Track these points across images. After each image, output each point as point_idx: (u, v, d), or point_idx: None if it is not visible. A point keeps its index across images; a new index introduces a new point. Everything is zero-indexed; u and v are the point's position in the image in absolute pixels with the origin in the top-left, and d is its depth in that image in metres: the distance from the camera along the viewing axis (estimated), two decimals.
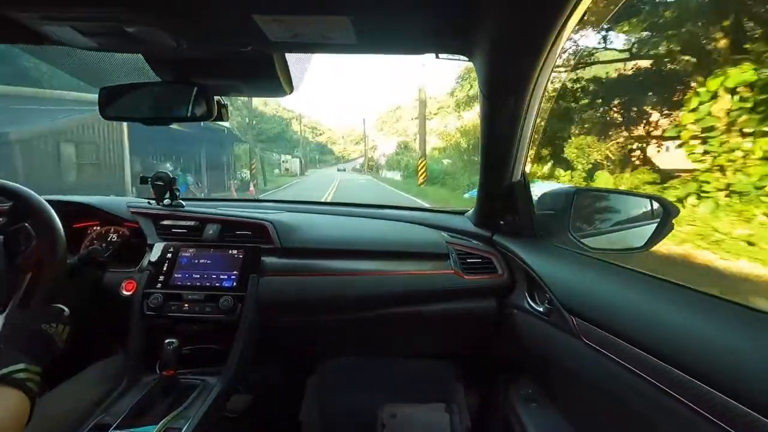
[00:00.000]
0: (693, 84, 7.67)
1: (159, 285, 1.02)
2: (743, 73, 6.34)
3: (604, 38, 9.94)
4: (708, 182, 6.75)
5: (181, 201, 1.24)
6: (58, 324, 0.74)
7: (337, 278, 1.10)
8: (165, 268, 1.05)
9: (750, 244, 5.15)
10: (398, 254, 1.16)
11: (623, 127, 10.00)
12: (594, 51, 10.36)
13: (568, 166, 10.27)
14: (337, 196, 15.34)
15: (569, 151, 10.20)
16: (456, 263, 1.13)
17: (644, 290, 0.73)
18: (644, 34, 9.21)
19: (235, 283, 1.02)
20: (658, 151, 9.62)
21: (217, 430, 0.86)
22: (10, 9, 0.63)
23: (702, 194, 6.80)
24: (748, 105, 6.26)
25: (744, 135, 6.37)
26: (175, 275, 1.04)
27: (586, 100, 10.33)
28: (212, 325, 0.99)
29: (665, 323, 0.60)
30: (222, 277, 1.04)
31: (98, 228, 1.21)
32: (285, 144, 53.64)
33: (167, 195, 1.23)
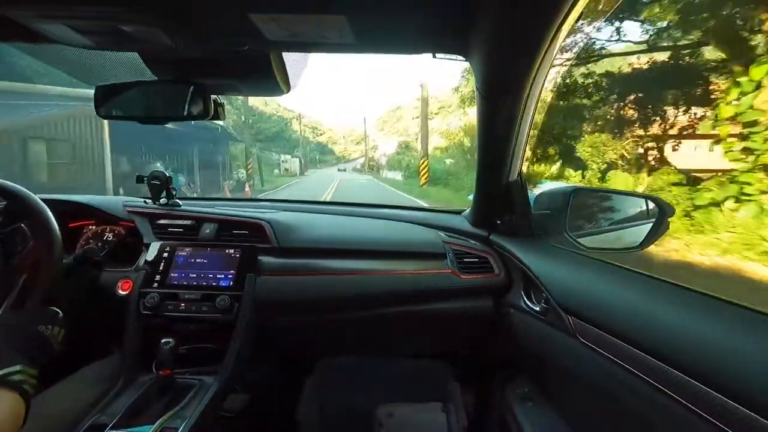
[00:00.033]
0: (724, 75, 6.86)
1: (155, 284, 1.01)
2: None
3: (618, 30, 8.87)
4: (750, 183, 5.78)
5: (177, 200, 1.24)
6: (53, 326, 0.73)
7: (334, 278, 1.10)
8: (161, 268, 1.04)
9: None
10: (395, 254, 1.16)
11: (642, 125, 9.00)
12: (607, 43, 9.29)
13: (579, 165, 9.43)
14: (335, 197, 14.91)
15: (582, 150, 9.30)
16: (453, 263, 1.14)
17: (640, 290, 0.73)
18: (670, 19, 7.79)
19: (231, 283, 1.02)
20: (675, 150, 8.71)
21: (213, 429, 0.86)
22: (4, 7, 0.62)
23: (743, 197, 5.86)
24: None
25: None
26: (172, 275, 1.03)
27: (598, 96, 9.32)
28: (209, 325, 0.99)
29: (661, 322, 0.60)
30: (219, 276, 1.03)
31: (94, 227, 1.20)
32: (284, 143, 53.43)
33: (163, 194, 1.22)
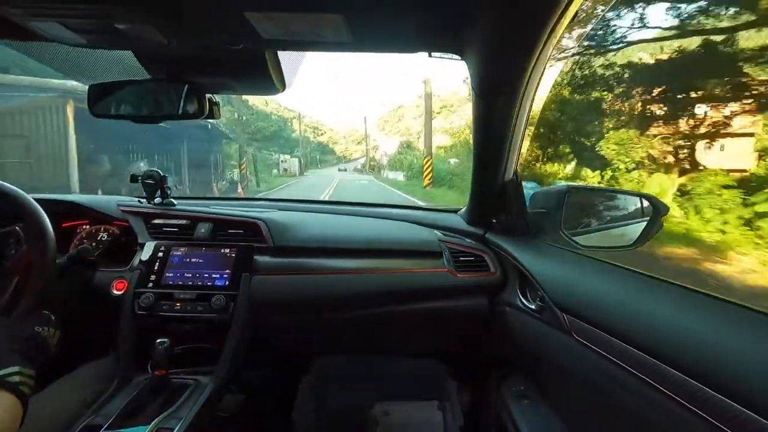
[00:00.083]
0: None
1: (150, 284, 1.01)
2: None
3: (641, 17, 7.57)
4: None
5: (172, 200, 1.23)
6: (49, 327, 0.73)
7: (330, 277, 1.09)
8: (156, 268, 1.04)
9: None
10: (391, 252, 1.16)
11: (680, 119, 7.63)
12: (630, 30, 7.81)
13: (597, 165, 8.31)
14: (333, 199, 14.42)
15: (606, 148, 7.99)
16: (449, 261, 1.14)
17: (634, 287, 0.74)
18: None
19: (227, 282, 1.02)
20: (710, 148, 7.24)
21: (209, 430, 0.86)
22: None
23: None
24: None
25: None
26: (167, 274, 1.03)
27: (621, 89, 8.23)
28: (204, 325, 0.99)
29: (656, 320, 0.61)
30: (214, 276, 1.03)
31: (88, 227, 1.19)
32: (283, 143, 52.80)
33: (158, 193, 1.21)
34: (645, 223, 0.93)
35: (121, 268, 1.06)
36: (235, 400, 1.23)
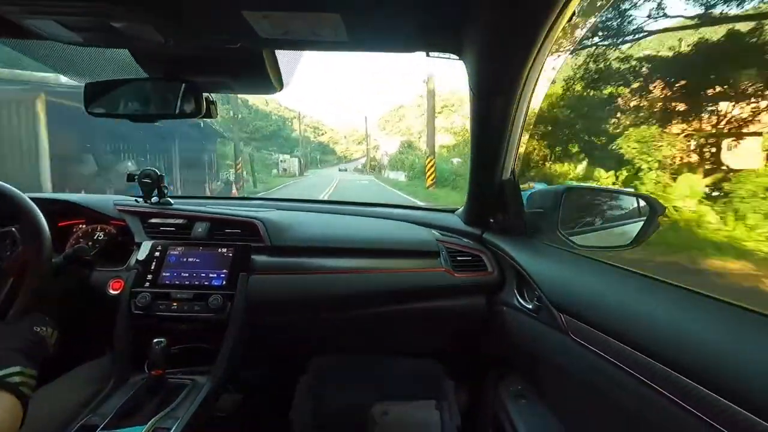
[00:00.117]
0: None
1: (147, 284, 1.01)
2: None
3: (659, 4, 6.93)
4: None
5: (169, 199, 1.23)
6: (47, 327, 0.73)
7: (327, 276, 1.09)
8: (153, 267, 1.03)
9: None
10: (389, 252, 1.16)
11: (712, 115, 6.85)
12: (648, 21, 7.15)
13: (613, 164, 7.51)
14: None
15: (626, 146, 7.13)
16: (446, 261, 1.14)
17: (632, 287, 0.74)
18: None
19: (224, 282, 1.01)
20: (747, 146, 6.40)
21: (206, 429, 0.86)
22: None
23: None
24: None
25: None
26: (164, 274, 1.03)
27: (639, 83, 7.44)
28: (201, 324, 0.98)
29: (653, 320, 0.61)
30: (211, 275, 1.03)
31: (84, 226, 1.19)
32: (282, 143, 52.40)
33: (155, 193, 1.21)
34: (641, 222, 0.94)
35: (117, 268, 1.06)
36: (232, 400, 1.23)
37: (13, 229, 0.80)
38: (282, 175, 33.95)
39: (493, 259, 1.15)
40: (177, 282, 1.01)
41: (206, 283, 1.01)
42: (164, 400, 0.83)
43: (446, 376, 1.40)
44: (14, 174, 7.19)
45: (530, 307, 0.94)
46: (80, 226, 1.19)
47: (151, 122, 0.93)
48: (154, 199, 1.21)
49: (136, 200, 1.22)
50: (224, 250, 1.07)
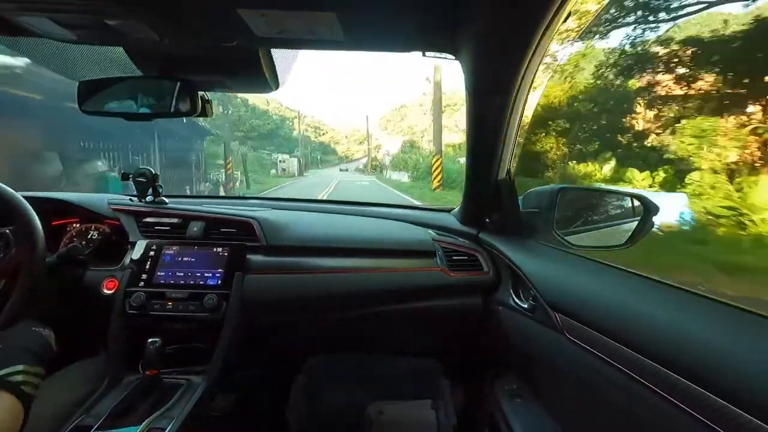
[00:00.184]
0: None
1: (141, 283, 1.00)
2: None
3: None
4: None
5: (164, 198, 1.22)
6: (45, 327, 0.72)
7: (323, 276, 1.09)
8: (148, 266, 1.03)
9: None
10: (385, 252, 1.16)
11: None
12: None
13: (653, 162, 6.23)
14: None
15: (679, 144, 5.81)
16: (442, 260, 1.14)
17: (627, 287, 0.74)
18: None
19: (219, 281, 1.01)
20: None
21: (201, 430, 0.85)
22: None
23: None
24: None
25: None
26: (158, 273, 1.02)
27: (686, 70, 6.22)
28: (196, 324, 0.98)
29: (648, 319, 0.61)
30: (206, 275, 1.02)
31: (78, 225, 1.18)
32: (281, 142, 51.66)
33: (149, 192, 1.20)
34: (636, 222, 0.94)
35: (111, 267, 1.05)
36: (227, 400, 1.22)
37: (7, 231, 0.79)
38: (280, 175, 33.40)
39: (488, 258, 1.15)
40: (172, 281, 1.01)
41: (201, 282, 1.01)
42: (159, 400, 0.83)
43: (442, 376, 1.40)
44: None
45: (525, 306, 0.94)
46: (74, 225, 1.18)
47: (146, 121, 0.92)
48: (149, 198, 1.20)
49: (130, 199, 1.21)
50: (219, 249, 1.06)
